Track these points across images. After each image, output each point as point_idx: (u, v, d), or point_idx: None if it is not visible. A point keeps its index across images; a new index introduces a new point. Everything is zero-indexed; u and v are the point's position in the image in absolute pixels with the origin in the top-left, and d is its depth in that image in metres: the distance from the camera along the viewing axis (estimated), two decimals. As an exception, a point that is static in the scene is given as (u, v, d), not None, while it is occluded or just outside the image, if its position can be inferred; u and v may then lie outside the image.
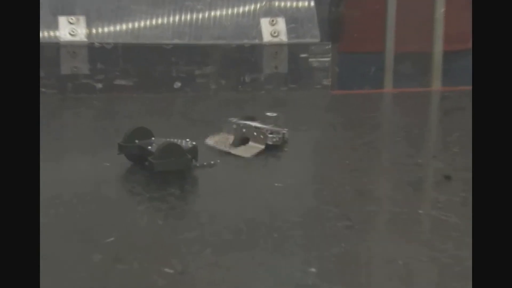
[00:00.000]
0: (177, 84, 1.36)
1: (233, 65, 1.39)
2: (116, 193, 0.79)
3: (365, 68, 1.68)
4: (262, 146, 0.91)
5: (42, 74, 1.28)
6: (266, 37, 1.36)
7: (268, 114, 1.14)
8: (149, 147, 0.82)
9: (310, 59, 1.36)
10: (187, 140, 0.84)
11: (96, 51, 1.29)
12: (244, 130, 0.93)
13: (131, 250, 0.62)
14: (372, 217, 0.73)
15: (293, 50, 1.37)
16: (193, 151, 0.83)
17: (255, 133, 0.91)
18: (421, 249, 0.63)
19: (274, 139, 0.90)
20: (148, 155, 0.81)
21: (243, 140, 0.92)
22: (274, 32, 1.36)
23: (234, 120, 0.94)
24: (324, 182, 0.84)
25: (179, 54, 1.35)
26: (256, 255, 0.61)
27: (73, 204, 0.73)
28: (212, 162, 0.84)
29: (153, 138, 0.85)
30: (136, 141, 0.84)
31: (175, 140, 0.82)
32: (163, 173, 0.78)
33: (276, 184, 0.80)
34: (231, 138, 0.92)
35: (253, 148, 0.90)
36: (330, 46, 1.38)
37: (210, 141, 0.93)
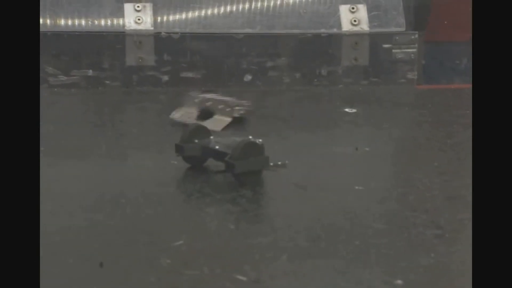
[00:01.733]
0: (248, 77, 1.37)
1: (309, 56, 1.38)
2: (183, 193, 0.81)
3: (455, 60, 1.64)
4: (229, 119, 0.94)
5: (106, 65, 1.31)
6: (346, 26, 1.35)
7: (347, 110, 1.13)
8: (217, 147, 0.82)
9: (394, 50, 1.34)
10: (250, 137, 0.84)
11: (162, 41, 1.32)
12: (208, 103, 0.96)
13: (201, 255, 0.63)
14: (465, 226, 0.71)
15: (375, 40, 1.35)
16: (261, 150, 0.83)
17: (220, 106, 0.94)
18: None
19: (241, 111, 0.93)
20: (218, 156, 0.81)
21: (207, 113, 0.95)
22: (354, 21, 1.35)
23: (195, 93, 0.97)
24: (409, 186, 0.83)
25: (250, 45, 1.36)
26: (336, 263, 0.61)
27: (139, 205, 0.75)
28: (286, 162, 0.85)
29: (211, 137, 0.85)
30: (196, 140, 0.84)
31: (243, 138, 0.83)
32: (240, 174, 0.79)
33: (356, 187, 0.80)
34: (194, 111, 0.95)
35: (221, 121, 0.93)
36: (416, 36, 1.35)
37: (175, 115, 0.96)
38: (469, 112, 1.19)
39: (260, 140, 0.83)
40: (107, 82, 1.32)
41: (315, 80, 1.37)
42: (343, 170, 0.88)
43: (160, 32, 1.33)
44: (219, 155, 0.82)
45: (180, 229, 0.68)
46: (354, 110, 1.13)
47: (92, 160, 0.90)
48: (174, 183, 0.83)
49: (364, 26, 1.35)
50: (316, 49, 1.38)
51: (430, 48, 1.64)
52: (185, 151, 0.84)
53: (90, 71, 1.32)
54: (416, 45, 1.35)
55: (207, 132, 0.86)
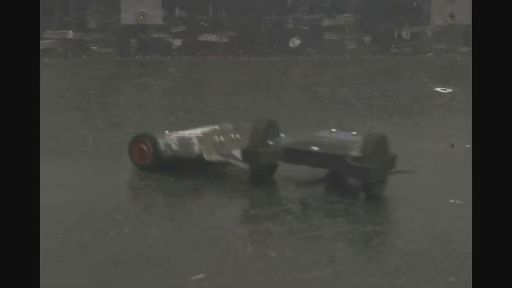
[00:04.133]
0: (295, 42, 1.39)
1: (383, 12, 1.39)
2: (196, 208, 0.83)
3: None
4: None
5: (92, 24, 1.34)
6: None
7: (438, 89, 1.14)
8: (314, 147, 0.83)
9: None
10: (353, 132, 0.86)
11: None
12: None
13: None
14: None
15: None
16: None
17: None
18: None
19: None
20: (322, 160, 0.82)
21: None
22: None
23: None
24: None
25: (298, -5, 1.38)
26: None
27: (143, 223, 0.77)
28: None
29: (282, 135, 0.87)
30: (269, 141, 0.85)
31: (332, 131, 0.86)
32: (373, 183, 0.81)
33: (451, 201, 0.81)
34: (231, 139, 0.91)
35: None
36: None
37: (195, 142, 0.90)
38: None
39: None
40: (94, 48, 1.34)
41: (393, 46, 1.38)
42: (433, 176, 0.89)
43: (170, -22, 1.36)
44: (324, 159, 0.82)
45: (200, 258, 0.70)
46: (449, 90, 1.14)
47: (76, 161, 0.92)
48: (188, 193, 0.85)
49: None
50: (394, 1, 1.39)
51: None
52: (261, 158, 0.84)
53: (71, 32, 1.35)
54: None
55: (275, 128, 0.87)
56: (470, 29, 1.34)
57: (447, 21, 1.37)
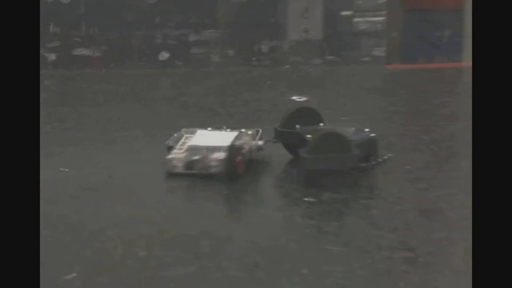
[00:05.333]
0: (164, 55, 1.38)
1: (245, 27, 1.40)
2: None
3: (437, 33, 1.69)
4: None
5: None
6: (293, -13, 1.37)
7: (295, 98, 1.16)
8: (309, 136, 0.86)
9: (356, 19, 1.37)
10: (366, 130, 0.88)
11: (47, 7, 1.32)
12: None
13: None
14: (444, 248, 0.74)
15: (331, 6, 1.38)
16: (372, 145, 0.87)
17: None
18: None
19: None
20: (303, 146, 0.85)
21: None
22: (304, -20, 1.38)
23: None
24: (374, 197, 0.85)
25: (166, 12, 1.37)
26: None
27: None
28: (385, 157, 0.89)
29: (321, 124, 0.90)
30: (297, 126, 0.88)
31: (348, 129, 0.87)
32: (315, 172, 0.83)
33: (305, 199, 0.82)
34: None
35: None
36: (385, 0, 1.39)
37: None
38: (451, 100, 1.23)
39: (374, 134, 0.88)
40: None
41: (253, 58, 1.39)
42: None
43: (45, -5, 1.33)
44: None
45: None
46: (304, 98, 1.16)
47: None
48: (66, 199, 0.83)
49: (317, -12, 1.37)
50: (255, 18, 1.40)
51: (405, 17, 1.69)
52: (281, 137, 0.90)
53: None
54: (385, 12, 1.39)
55: (317, 116, 0.90)
56: (322, 43, 1.37)
57: (302, 36, 1.39)
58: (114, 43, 1.36)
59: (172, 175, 0.86)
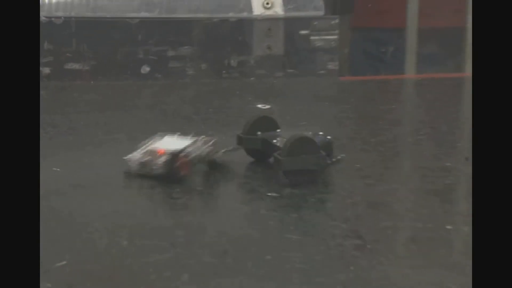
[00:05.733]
0: (145, 69, 1.37)
1: (216, 45, 1.39)
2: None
3: (382, 49, 1.69)
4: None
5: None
6: (257, 10, 1.37)
7: (260, 106, 1.15)
8: (275, 141, 0.85)
9: (313, 38, 1.37)
10: (320, 133, 0.87)
11: (42, 27, 1.30)
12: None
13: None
14: (388, 235, 0.74)
15: (290, 26, 1.38)
16: (328, 146, 0.86)
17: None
18: (449, 274, 0.64)
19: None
20: (273, 151, 0.83)
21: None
22: (267, 3, 1.37)
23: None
24: (329, 191, 0.85)
25: (147, 31, 1.36)
26: (243, 282, 0.62)
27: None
28: (339, 157, 0.88)
29: (278, 131, 0.88)
30: (259, 132, 0.87)
31: (308, 133, 0.85)
32: (290, 173, 0.81)
33: (269, 194, 0.81)
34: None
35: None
36: (337, 21, 1.38)
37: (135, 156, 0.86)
38: (395, 107, 1.24)
39: (329, 136, 0.87)
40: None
41: (224, 72, 1.38)
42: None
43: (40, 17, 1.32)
44: (276, 151, 0.83)
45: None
46: (267, 106, 1.15)
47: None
48: (57, 196, 0.82)
49: (278, 10, 1.37)
50: (225, 36, 1.39)
51: (355, 35, 1.69)
52: (244, 143, 0.88)
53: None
54: (337, 31, 1.38)
55: (274, 124, 0.89)
56: (283, 58, 1.37)
57: (266, 51, 1.39)
58: (101, 58, 1.34)
59: (129, 174, 0.84)
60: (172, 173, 0.82)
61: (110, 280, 0.63)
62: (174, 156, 0.82)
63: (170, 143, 0.86)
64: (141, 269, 0.64)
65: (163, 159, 0.82)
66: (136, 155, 0.85)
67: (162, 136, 0.88)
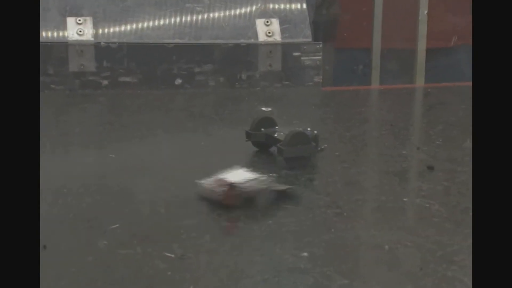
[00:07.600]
0: (178, 81, 1.36)
1: (231, 63, 1.38)
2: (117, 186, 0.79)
3: (354, 66, 1.68)
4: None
5: (51, 71, 1.27)
6: (261, 37, 1.36)
7: (263, 109, 1.14)
8: (275, 135, 0.84)
9: (302, 58, 1.35)
10: (308, 129, 0.85)
11: (102, 50, 1.29)
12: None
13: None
14: (360, 205, 0.73)
15: (286, 49, 1.36)
16: (315, 139, 0.85)
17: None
18: (405, 235, 0.63)
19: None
20: (275, 142, 0.82)
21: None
22: (269, 32, 1.36)
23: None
24: (315, 172, 0.84)
25: (179, 53, 1.35)
26: (251, 241, 0.61)
27: (80, 195, 0.73)
28: (323, 147, 0.86)
29: (276, 127, 0.86)
30: (262, 129, 0.85)
31: (300, 129, 0.83)
32: (290, 159, 0.80)
33: (270, 174, 0.80)
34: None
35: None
36: (321, 46, 1.37)
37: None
38: (364, 110, 1.22)
39: (316, 131, 0.85)
40: (53, 86, 1.28)
41: (236, 83, 1.37)
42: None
43: (100, 42, 1.31)
44: (277, 142, 0.83)
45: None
46: (269, 109, 1.14)
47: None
48: (112, 176, 0.81)
49: (277, 37, 1.36)
50: (237, 57, 1.38)
51: (335, 56, 1.67)
52: (251, 137, 0.86)
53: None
54: (321, 53, 1.37)
55: (273, 122, 0.87)
56: (281, 73, 1.35)
57: (268, 68, 1.38)
58: (145, 73, 1.34)
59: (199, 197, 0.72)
60: (228, 202, 0.70)
61: (151, 239, 0.62)
62: (232, 187, 0.70)
63: (238, 175, 0.72)
64: (174, 231, 0.63)
65: (223, 189, 0.70)
66: (207, 181, 0.72)
67: (236, 169, 0.74)
